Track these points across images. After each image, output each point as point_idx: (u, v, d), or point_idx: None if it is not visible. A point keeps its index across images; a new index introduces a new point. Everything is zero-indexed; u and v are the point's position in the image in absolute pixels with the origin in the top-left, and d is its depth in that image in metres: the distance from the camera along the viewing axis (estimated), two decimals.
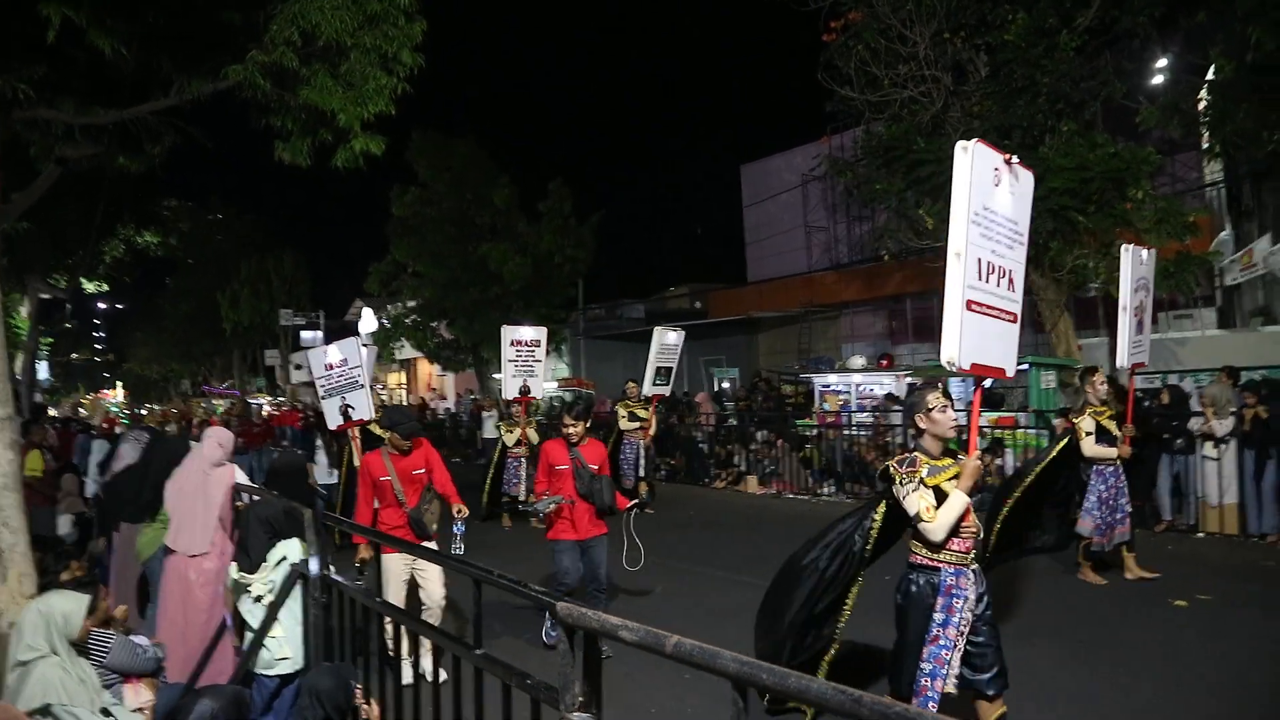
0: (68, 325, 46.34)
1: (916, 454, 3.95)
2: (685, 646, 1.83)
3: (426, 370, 37.15)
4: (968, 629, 3.84)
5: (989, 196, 3.97)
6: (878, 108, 14.15)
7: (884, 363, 18.48)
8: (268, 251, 43.09)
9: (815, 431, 14.33)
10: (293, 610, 4.30)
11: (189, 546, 5.08)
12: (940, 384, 4.17)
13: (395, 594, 5.47)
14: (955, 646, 3.79)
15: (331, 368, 9.93)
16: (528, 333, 12.06)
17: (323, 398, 10.00)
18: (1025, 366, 12.99)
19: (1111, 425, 7.63)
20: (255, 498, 4.97)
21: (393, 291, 29.62)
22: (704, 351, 26.74)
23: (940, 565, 3.86)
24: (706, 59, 64.64)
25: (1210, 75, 12.50)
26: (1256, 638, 5.92)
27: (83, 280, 25.83)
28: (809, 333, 24.23)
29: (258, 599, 4.40)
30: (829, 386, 16.74)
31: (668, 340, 12.67)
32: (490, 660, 2.76)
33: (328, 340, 40.47)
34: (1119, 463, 7.62)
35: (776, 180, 25.56)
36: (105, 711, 3.96)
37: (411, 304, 28.89)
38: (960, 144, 3.83)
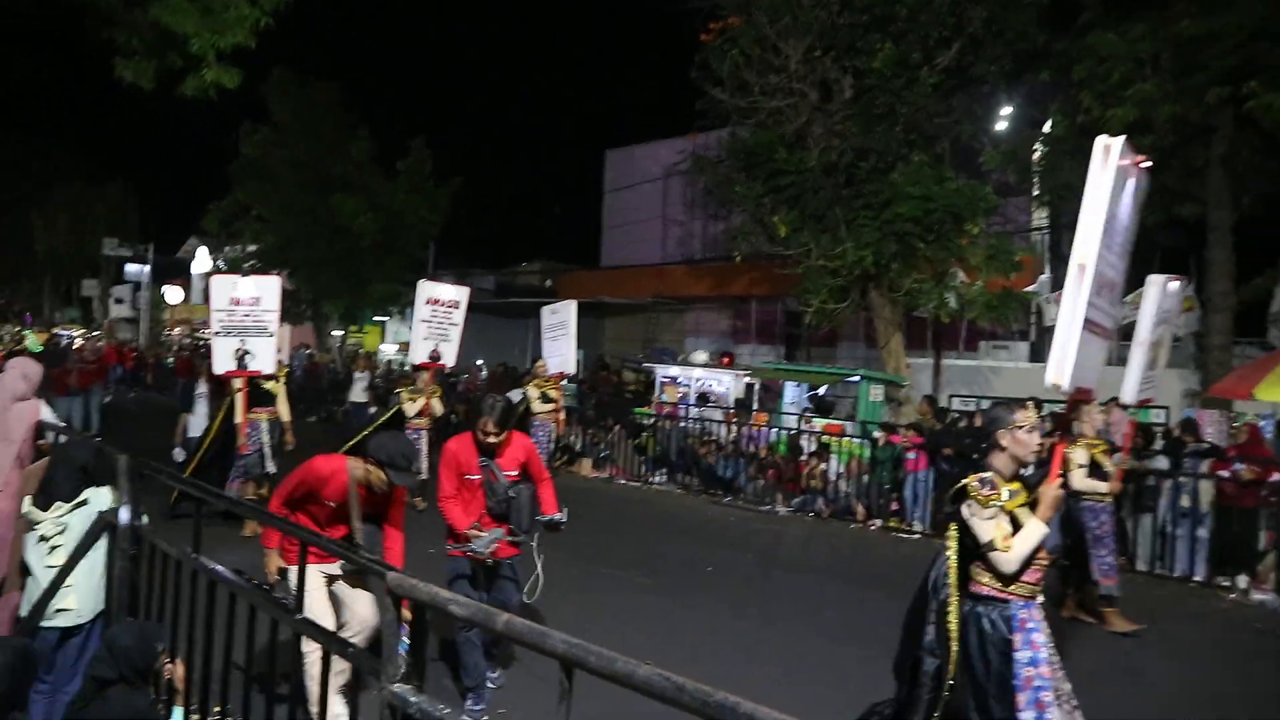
0: None
1: (993, 475, 3.57)
2: (516, 625, 1.87)
3: None
4: (1059, 667, 3.53)
5: (1116, 202, 3.61)
6: (745, 113, 14.52)
7: (725, 360, 18.99)
8: (92, 177, 39.91)
9: (653, 420, 14.59)
10: (91, 560, 4.05)
11: None
12: (1029, 403, 3.77)
13: (319, 607, 4.03)
14: (1053, 687, 3.45)
15: (239, 303, 8.79)
16: (447, 291, 10.92)
17: (215, 333, 8.84)
18: (856, 378, 13.69)
19: (1104, 459, 7.15)
20: (64, 437, 4.65)
21: (233, 233, 28.08)
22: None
23: (1010, 598, 3.53)
24: (584, 41, 64.31)
25: (1046, 130, 13.53)
26: None
27: None
28: (655, 323, 24.62)
29: (43, 538, 4.11)
30: (670, 378, 17.06)
31: (553, 318, 12.39)
32: (310, 625, 2.70)
33: (158, 279, 38.12)
34: (1111, 499, 7.24)
35: (639, 170, 25.75)
36: None
37: (252, 249, 27.48)
38: (1103, 140, 3.46)
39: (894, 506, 11.36)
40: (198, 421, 9.94)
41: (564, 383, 12.71)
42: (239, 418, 8.74)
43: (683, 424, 14.10)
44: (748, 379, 16.27)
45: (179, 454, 9.68)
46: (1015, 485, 3.60)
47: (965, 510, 3.58)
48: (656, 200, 24.82)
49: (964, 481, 3.63)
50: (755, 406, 14.89)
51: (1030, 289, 15.12)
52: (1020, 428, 3.58)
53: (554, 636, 1.78)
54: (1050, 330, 16.37)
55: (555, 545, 8.33)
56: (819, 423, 12.87)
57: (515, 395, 13.65)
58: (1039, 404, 11.14)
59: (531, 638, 1.82)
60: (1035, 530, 3.46)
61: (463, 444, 4.77)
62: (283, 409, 9.24)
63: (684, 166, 18.49)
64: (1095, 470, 7.04)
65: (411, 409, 10.36)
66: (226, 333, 8.75)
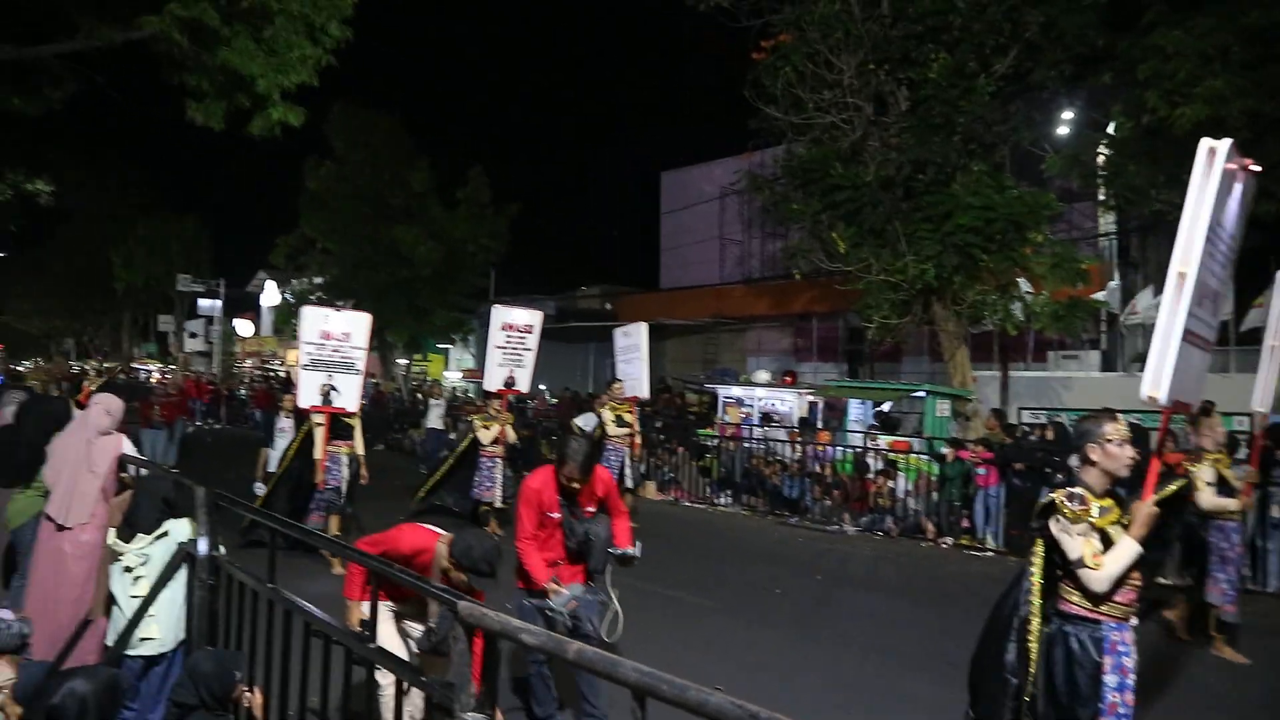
0: None
1: (1083, 490, 3.45)
2: (588, 654, 1.86)
3: None
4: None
5: (1221, 208, 3.43)
6: (800, 129, 14.46)
7: (788, 379, 18.84)
8: (168, 212, 41.37)
9: (716, 442, 14.52)
10: (172, 590, 4.16)
11: (67, 517, 4.85)
12: (1116, 415, 3.63)
13: (392, 640, 4.07)
14: (1131, 716, 3.37)
15: (329, 337, 8.68)
16: (521, 316, 10.64)
17: (303, 365, 8.70)
18: (922, 394, 13.46)
19: (1230, 474, 6.72)
20: (145, 471, 4.79)
21: (299, 266, 28.87)
22: (611, 354, 26.81)
23: (1101, 618, 3.40)
24: (637, 63, 64.93)
25: (1110, 132, 13.21)
26: None
27: None
28: (716, 344, 24.55)
29: (127, 569, 4.24)
30: (732, 399, 16.98)
31: (625, 341, 12.01)
32: (384, 655, 2.73)
33: (229, 312, 39.26)
34: (1241, 517, 6.81)
35: (695, 190, 25.80)
36: None
37: (318, 280, 28.19)
38: (1206, 142, 3.29)
39: (964, 524, 11.12)
40: (275, 457, 9.91)
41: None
42: (318, 452, 8.63)
43: (746, 444, 14.01)
44: (811, 397, 16.12)
45: (259, 488, 9.65)
46: (1107, 501, 3.46)
47: (1054, 526, 3.47)
48: (713, 220, 24.82)
49: (1052, 496, 3.52)
50: (819, 425, 14.73)
51: (1099, 296, 14.72)
52: (1110, 441, 3.45)
53: (625, 665, 1.77)
54: (1122, 337, 15.93)
55: (622, 569, 8.33)
56: (885, 440, 12.68)
57: (588, 420, 13.64)
58: (1111, 414, 10.87)
59: (603, 666, 1.81)
60: (1128, 549, 3.32)
61: (545, 483, 4.62)
62: (358, 442, 9.20)
63: (740, 185, 18.46)
64: (1222, 486, 6.64)
65: (486, 437, 10.32)
66: (314, 366, 8.64)
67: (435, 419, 17.11)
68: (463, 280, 26.72)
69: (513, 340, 10.51)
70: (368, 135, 26.20)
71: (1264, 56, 10.13)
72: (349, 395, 8.74)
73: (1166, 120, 10.69)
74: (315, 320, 8.76)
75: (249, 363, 41.46)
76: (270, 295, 38.51)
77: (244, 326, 40.26)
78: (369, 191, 26.16)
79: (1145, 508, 3.37)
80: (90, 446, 5.03)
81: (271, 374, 37.36)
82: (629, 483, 11.17)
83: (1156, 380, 3.23)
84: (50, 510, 4.90)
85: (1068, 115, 15.31)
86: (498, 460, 10.30)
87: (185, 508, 4.28)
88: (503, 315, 10.54)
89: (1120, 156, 12.62)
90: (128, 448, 5.32)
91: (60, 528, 4.86)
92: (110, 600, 4.35)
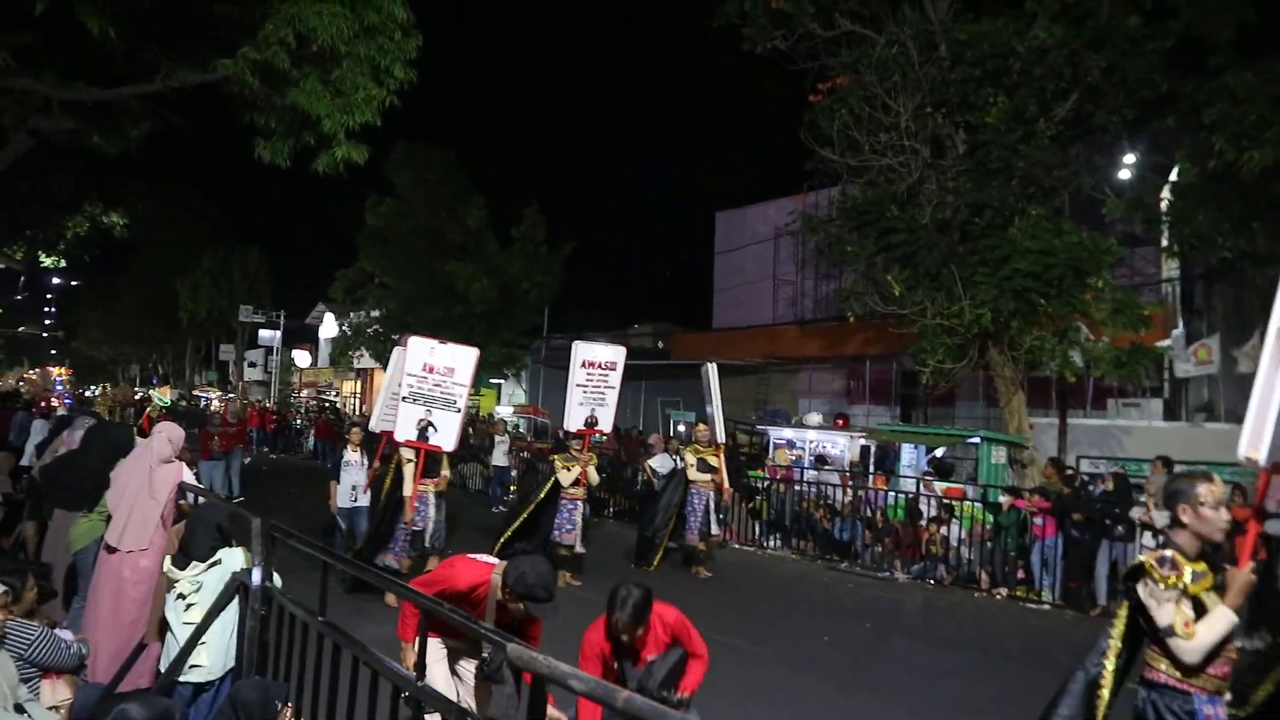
0: (18, 297, 45.24)
1: (1174, 554, 3.28)
2: (636, 702, 1.84)
3: (383, 381, 36.79)
4: None
5: None
6: (856, 171, 14.43)
7: (840, 422, 18.66)
8: (233, 246, 42.61)
9: (766, 483, 14.38)
10: (223, 619, 4.21)
11: (127, 542, 4.96)
12: (1213, 476, 3.39)
13: (441, 681, 4.00)
14: None
15: (431, 370, 8.36)
16: (603, 352, 10.27)
17: (402, 397, 8.34)
18: (976, 440, 13.22)
19: None
20: (202, 499, 4.89)
21: (357, 300, 29.47)
22: (662, 393, 26.80)
23: (1193, 691, 3.21)
24: (692, 104, 65.51)
25: (1174, 177, 12.97)
26: None
27: (41, 254, 25.31)
28: (767, 384, 24.39)
29: (180, 596, 4.31)
30: (783, 440, 16.85)
31: (711, 379, 11.42)
32: (432, 694, 2.73)
33: (287, 342, 40.14)
34: None
35: (749, 230, 25.82)
36: (19, 708, 3.84)
37: (375, 314, 28.71)
38: None
39: (1020, 575, 10.84)
40: (343, 491, 9.60)
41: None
42: (408, 489, 8.29)
43: (797, 487, 13.86)
44: (863, 441, 15.93)
45: (342, 521, 9.55)
46: (1200, 565, 3.29)
47: (1142, 590, 3.30)
48: (767, 261, 24.79)
49: (1141, 559, 3.38)
50: (872, 469, 14.54)
51: (1163, 344, 14.36)
52: (1204, 503, 3.26)
53: (673, 716, 1.75)
54: (1184, 382, 15.43)
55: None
56: (939, 486, 12.44)
57: (663, 462, 13.51)
58: (1168, 462, 10.55)
59: (652, 716, 1.79)
60: (1223, 618, 3.15)
61: (600, 636, 4.07)
62: (444, 476, 8.91)
63: (794, 226, 18.44)
64: None
65: (566, 478, 9.83)
66: (413, 399, 8.29)
67: (501, 456, 17.07)
68: (517, 317, 27.01)
69: (594, 378, 10.16)
70: (426, 173, 26.77)
71: None
72: (447, 433, 8.38)
73: (1234, 165, 10.47)
74: (419, 351, 8.40)
75: (305, 393, 42.28)
76: (328, 327, 39.29)
77: (302, 357, 41.11)
78: (427, 228, 26.69)
79: (1243, 575, 3.18)
80: (151, 474, 5.15)
81: (327, 404, 38.06)
82: (713, 529, 10.76)
83: (1256, 440, 3.04)
84: (110, 536, 5.02)
85: (1130, 159, 15.08)
86: (578, 503, 9.87)
87: (238, 536, 4.36)
88: (584, 352, 10.16)
89: (1185, 202, 12.38)
90: (188, 476, 5.44)
91: (118, 552, 4.98)
92: (164, 626, 4.43)
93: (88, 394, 38.84)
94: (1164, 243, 14.17)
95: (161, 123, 12.75)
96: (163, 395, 18.83)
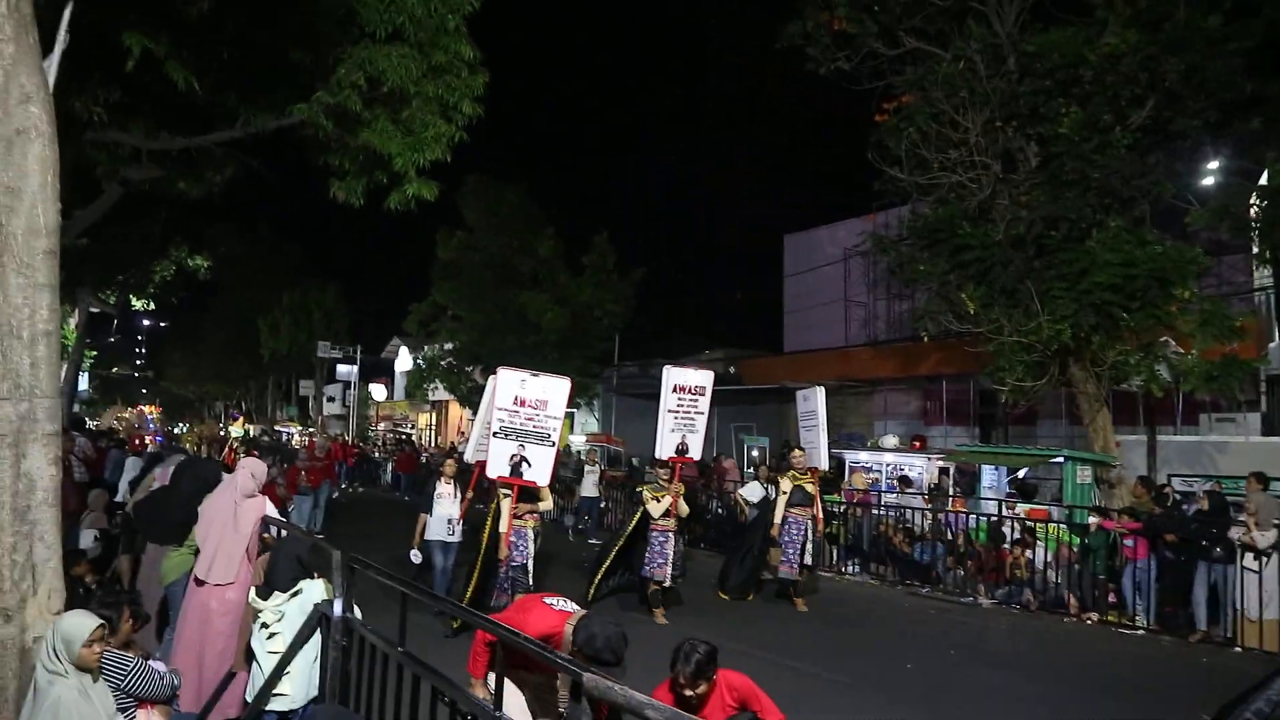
0: (111, 340, 47.25)
1: None
2: None
3: (457, 413, 37.34)
4: None
5: None
6: (925, 189, 14.21)
7: (916, 444, 18.30)
8: (311, 283, 43.87)
9: (843, 508, 14.15)
10: (306, 649, 4.29)
11: (214, 575, 5.10)
12: None
13: (518, 714, 3.99)
14: None
15: (523, 404, 8.16)
16: (694, 377, 9.89)
17: (494, 433, 8.16)
18: (1060, 459, 12.82)
19: None
20: (284, 532, 5.00)
21: (431, 333, 30.01)
22: (735, 418, 26.64)
23: None
24: (757, 128, 65.50)
25: (1264, 180, 12.47)
26: None
27: (131, 297, 26.44)
28: (842, 407, 24.05)
29: (264, 626, 4.41)
30: (859, 463, 16.57)
31: (804, 405, 11.18)
32: None
33: (364, 376, 41.05)
34: None
35: (819, 252, 25.64)
36: None
37: (448, 346, 29.19)
38: None
39: (1111, 598, 10.43)
40: (436, 525, 9.26)
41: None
42: (504, 526, 8.18)
43: (875, 511, 13.60)
44: (941, 463, 15.58)
45: (416, 556, 9.22)
46: None
47: None
48: (837, 282, 24.57)
49: None
50: (952, 492, 14.20)
51: (1259, 358, 13.75)
52: None
53: None
54: None
55: (746, 639, 8.15)
56: (1022, 508, 12.08)
57: (753, 490, 13.29)
58: (1263, 478, 10.07)
59: None
60: None
61: (664, 697, 3.89)
62: (545, 504, 8.72)
63: (864, 247, 18.24)
64: None
65: (656, 510, 9.43)
66: (505, 434, 8.11)
67: (590, 486, 17.04)
68: (588, 345, 27.18)
69: (684, 404, 9.78)
70: (497, 206, 27.21)
71: None
72: (541, 468, 8.18)
73: None
74: (510, 384, 8.19)
75: (382, 425, 43.13)
76: (403, 361, 40.08)
77: (378, 391, 41.97)
78: (498, 260, 27.08)
79: None
80: (236, 508, 5.30)
81: (404, 436, 38.75)
82: (808, 559, 10.27)
83: None
84: (198, 569, 5.17)
85: (1214, 165, 14.56)
86: (670, 534, 9.44)
87: (320, 568, 4.44)
88: (675, 377, 9.80)
89: (1275, 206, 11.88)
90: (270, 510, 5.57)
91: (206, 584, 5.11)
92: (249, 656, 4.53)
93: (176, 430, 40.23)
94: (1254, 249, 13.61)
95: (242, 167, 13.23)
96: (237, 428, 19.45)
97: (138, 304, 27.54)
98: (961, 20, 13.75)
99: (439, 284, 28.06)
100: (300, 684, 4.27)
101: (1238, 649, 9.06)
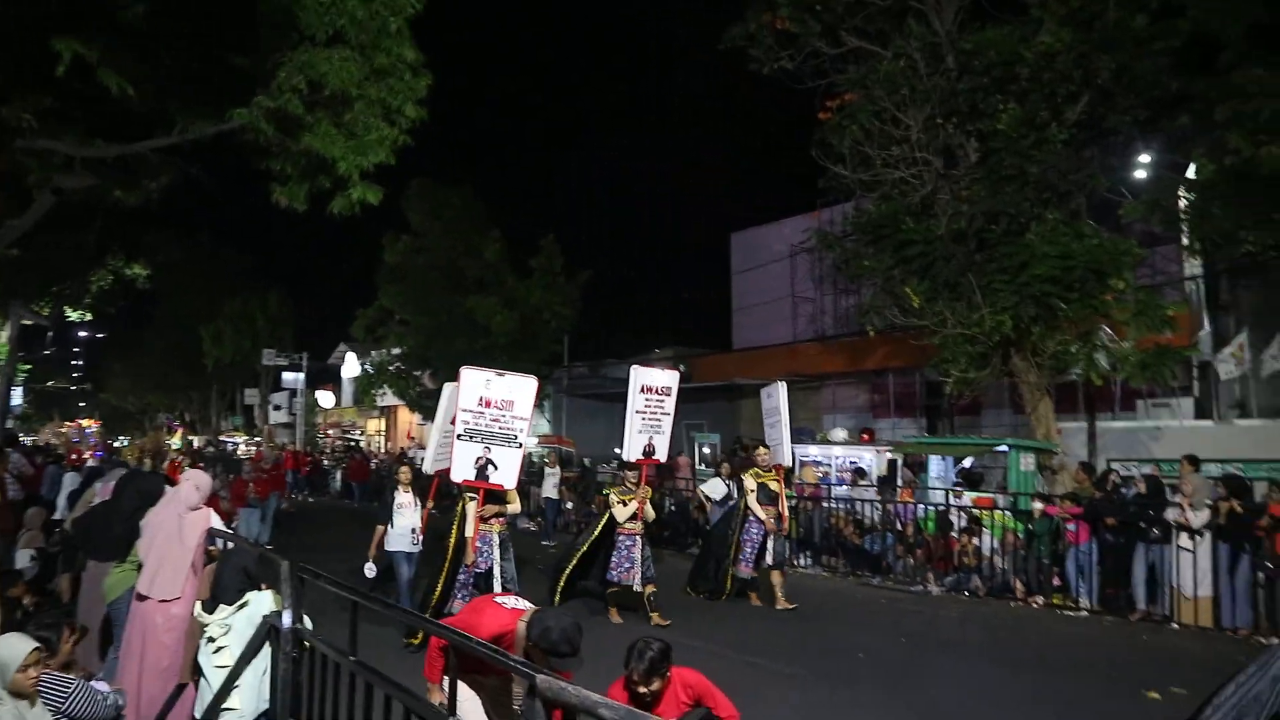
0: (47, 352, 45.94)
1: None
2: None
3: (407, 419, 36.97)
4: None
5: None
6: (869, 186, 14.42)
7: (865, 437, 18.56)
8: (254, 290, 43.08)
9: (794, 502, 14.29)
10: (256, 662, 4.22)
11: (159, 590, 4.99)
12: None
13: (473, 714, 3.99)
14: None
15: (489, 404, 7.92)
16: (660, 377, 9.73)
17: (458, 435, 7.91)
18: (1004, 448, 13.10)
19: None
20: (231, 544, 4.92)
21: (378, 338, 29.67)
22: (686, 416, 26.72)
23: None
24: (702, 127, 65.83)
25: (1191, 174, 12.87)
26: None
27: (66, 309, 25.72)
28: (791, 402, 24.20)
29: (210, 639, 4.34)
30: (809, 457, 16.75)
31: (769, 402, 11.04)
32: None
33: (311, 384, 40.40)
34: None
35: (766, 250, 25.83)
36: None
37: (396, 351, 28.88)
38: None
39: (1056, 582, 10.70)
40: (398, 536, 8.92)
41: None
42: (469, 530, 7.97)
43: (825, 504, 13.76)
44: (890, 454, 15.81)
45: (370, 570, 8.86)
46: None
47: None
48: (784, 279, 24.78)
49: None
50: (900, 483, 14.42)
51: (1190, 346, 14.18)
52: None
53: None
54: (1215, 383, 15.23)
55: (698, 635, 8.20)
56: (969, 496, 12.32)
57: (715, 487, 13.28)
58: (1194, 460, 10.40)
59: None
60: None
61: (618, 695, 3.97)
62: (513, 508, 8.48)
63: (810, 244, 18.43)
64: None
65: (622, 514, 9.26)
66: (469, 436, 7.89)
67: (550, 488, 16.92)
68: (538, 347, 27.11)
69: (651, 404, 9.58)
70: (442, 209, 27.02)
71: None
72: (508, 471, 7.98)
73: (1252, 160, 10.38)
74: (474, 385, 7.95)
75: (330, 433, 42.52)
76: (350, 367, 39.54)
77: (325, 398, 41.36)
78: (445, 263, 26.89)
79: None
80: (181, 521, 5.19)
81: (353, 443, 38.24)
82: (768, 559, 10.16)
83: None
84: (142, 584, 5.06)
85: (1145, 159, 14.99)
86: (636, 538, 9.27)
87: (267, 580, 4.38)
88: (642, 377, 9.61)
89: (1203, 199, 12.28)
90: (215, 522, 5.47)
91: (150, 600, 5.01)
92: (196, 671, 4.45)
93: (116, 444, 39.25)
94: (1184, 241, 14.04)
95: (180, 174, 12.97)
96: (176, 439, 19.01)
97: (74, 315, 26.80)
98: (901, 19, 13.99)
99: (385, 288, 27.76)
100: (249, 698, 4.20)
101: (1175, 625, 9.35)
